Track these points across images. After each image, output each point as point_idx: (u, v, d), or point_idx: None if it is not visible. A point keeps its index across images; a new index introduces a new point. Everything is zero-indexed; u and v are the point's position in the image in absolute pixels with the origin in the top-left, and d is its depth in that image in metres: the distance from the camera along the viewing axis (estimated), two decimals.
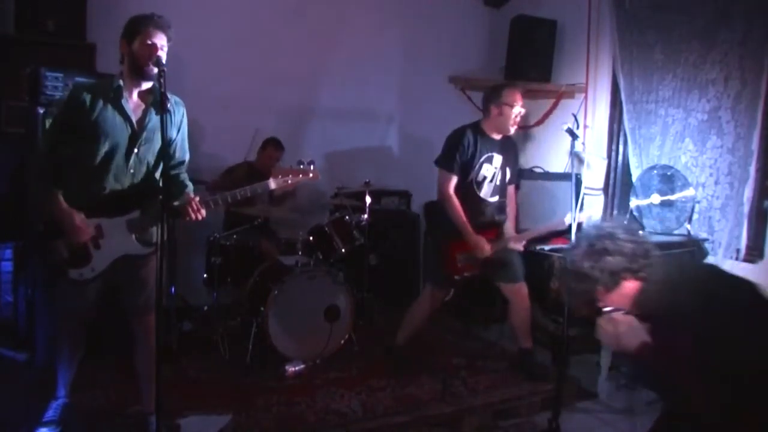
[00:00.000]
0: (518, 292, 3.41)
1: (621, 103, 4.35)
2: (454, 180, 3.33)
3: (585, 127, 4.60)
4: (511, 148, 3.48)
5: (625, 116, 4.31)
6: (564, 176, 4.25)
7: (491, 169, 3.38)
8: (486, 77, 5.34)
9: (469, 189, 3.36)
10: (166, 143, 2.10)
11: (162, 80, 2.12)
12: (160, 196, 2.17)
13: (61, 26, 3.67)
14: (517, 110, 3.29)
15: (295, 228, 3.97)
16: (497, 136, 3.39)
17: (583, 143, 4.40)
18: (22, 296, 3.42)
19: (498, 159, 3.39)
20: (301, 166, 2.60)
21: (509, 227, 3.49)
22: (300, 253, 3.67)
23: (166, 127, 2.14)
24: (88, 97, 2.29)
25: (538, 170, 4.75)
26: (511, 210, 3.54)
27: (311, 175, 2.61)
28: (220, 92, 4.35)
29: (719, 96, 3.75)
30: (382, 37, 5.11)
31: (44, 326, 3.15)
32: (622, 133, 4.50)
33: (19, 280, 3.51)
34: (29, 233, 3.17)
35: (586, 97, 4.62)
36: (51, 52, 3.56)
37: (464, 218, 3.29)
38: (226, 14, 4.43)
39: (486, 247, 3.29)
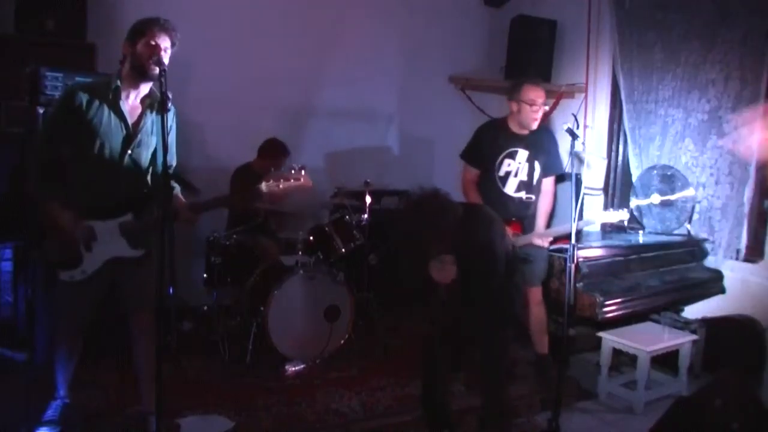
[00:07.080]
0: (530, 296, 3.38)
1: (621, 103, 4.35)
2: (474, 172, 3.40)
3: (585, 127, 4.59)
4: (540, 142, 3.38)
5: (625, 116, 4.31)
6: (564, 176, 4.24)
7: (514, 164, 3.34)
8: (486, 77, 5.34)
9: (493, 184, 3.36)
10: (166, 143, 2.09)
11: (163, 80, 2.11)
12: (160, 197, 2.17)
13: (61, 26, 3.66)
14: (535, 108, 3.23)
15: (295, 228, 3.96)
16: (523, 131, 3.33)
17: (583, 143, 4.38)
18: (22, 296, 3.42)
19: (522, 154, 3.34)
20: (293, 171, 2.47)
21: (539, 224, 3.38)
22: (300, 253, 3.66)
23: (165, 128, 2.11)
24: (84, 98, 2.29)
25: None
26: (543, 205, 3.42)
27: (302, 181, 2.47)
28: (219, 93, 4.34)
29: (719, 96, 3.74)
30: (382, 37, 5.10)
31: (44, 326, 3.15)
32: (622, 133, 4.50)
33: (19, 280, 3.51)
34: (29, 233, 3.17)
35: (586, 97, 4.62)
36: (51, 52, 3.54)
37: None
38: (226, 14, 4.42)
39: None
